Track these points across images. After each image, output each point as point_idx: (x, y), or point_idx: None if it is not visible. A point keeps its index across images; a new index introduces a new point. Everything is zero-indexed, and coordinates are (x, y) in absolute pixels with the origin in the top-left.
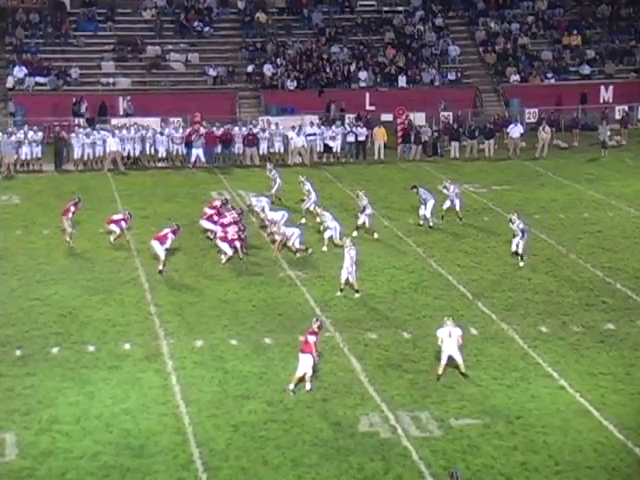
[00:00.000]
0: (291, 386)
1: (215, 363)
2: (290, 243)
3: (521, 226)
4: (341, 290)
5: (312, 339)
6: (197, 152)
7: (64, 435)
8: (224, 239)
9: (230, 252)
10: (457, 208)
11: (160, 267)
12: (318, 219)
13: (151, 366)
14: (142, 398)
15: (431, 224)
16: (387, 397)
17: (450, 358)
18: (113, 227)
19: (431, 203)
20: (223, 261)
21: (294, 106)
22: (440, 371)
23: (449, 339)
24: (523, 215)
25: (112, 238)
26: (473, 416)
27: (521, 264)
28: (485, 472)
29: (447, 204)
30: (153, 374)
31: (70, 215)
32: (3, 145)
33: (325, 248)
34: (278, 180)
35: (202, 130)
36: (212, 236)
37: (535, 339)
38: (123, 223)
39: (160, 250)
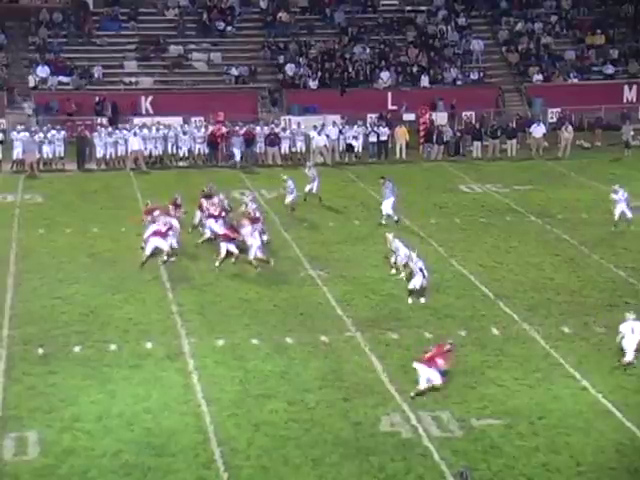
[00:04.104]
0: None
1: (236, 362)
2: (250, 254)
3: (420, 265)
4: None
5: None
6: (237, 152)
7: (86, 433)
8: (228, 238)
9: (237, 251)
10: (628, 216)
11: (165, 257)
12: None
13: (172, 365)
14: (163, 397)
15: (396, 218)
16: (408, 397)
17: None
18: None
19: (390, 200)
20: (218, 263)
21: (316, 105)
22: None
23: (632, 335)
24: (546, 215)
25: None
26: (495, 416)
27: (422, 300)
28: (506, 472)
29: (618, 210)
30: (174, 373)
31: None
32: (26, 144)
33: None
34: (317, 179)
35: (224, 129)
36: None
37: (557, 339)
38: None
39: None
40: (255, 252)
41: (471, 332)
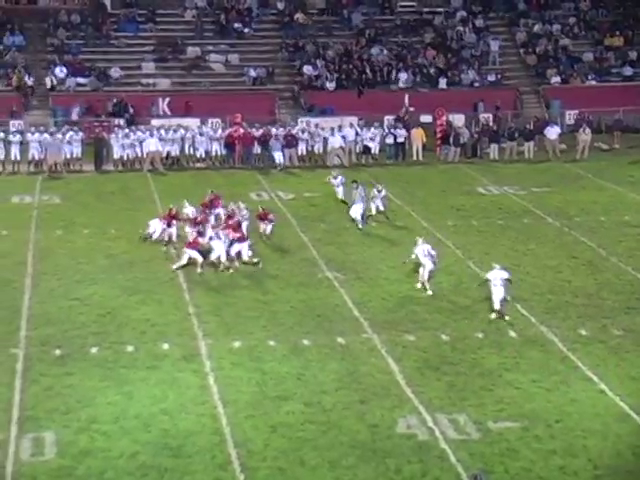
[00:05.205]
0: None
1: (253, 364)
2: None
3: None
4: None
5: None
6: (278, 155)
7: (103, 434)
8: (193, 245)
9: (200, 258)
10: None
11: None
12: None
13: (189, 366)
14: (180, 398)
15: (360, 226)
16: (425, 399)
17: None
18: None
19: (359, 206)
20: (199, 270)
21: (333, 107)
22: None
23: None
24: (564, 217)
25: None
26: (512, 419)
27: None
28: (524, 476)
29: None
30: (191, 374)
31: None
32: (48, 145)
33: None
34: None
35: (241, 131)
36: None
37: (575, 342)
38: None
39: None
40: (215, 255)
41: (488, 334)
